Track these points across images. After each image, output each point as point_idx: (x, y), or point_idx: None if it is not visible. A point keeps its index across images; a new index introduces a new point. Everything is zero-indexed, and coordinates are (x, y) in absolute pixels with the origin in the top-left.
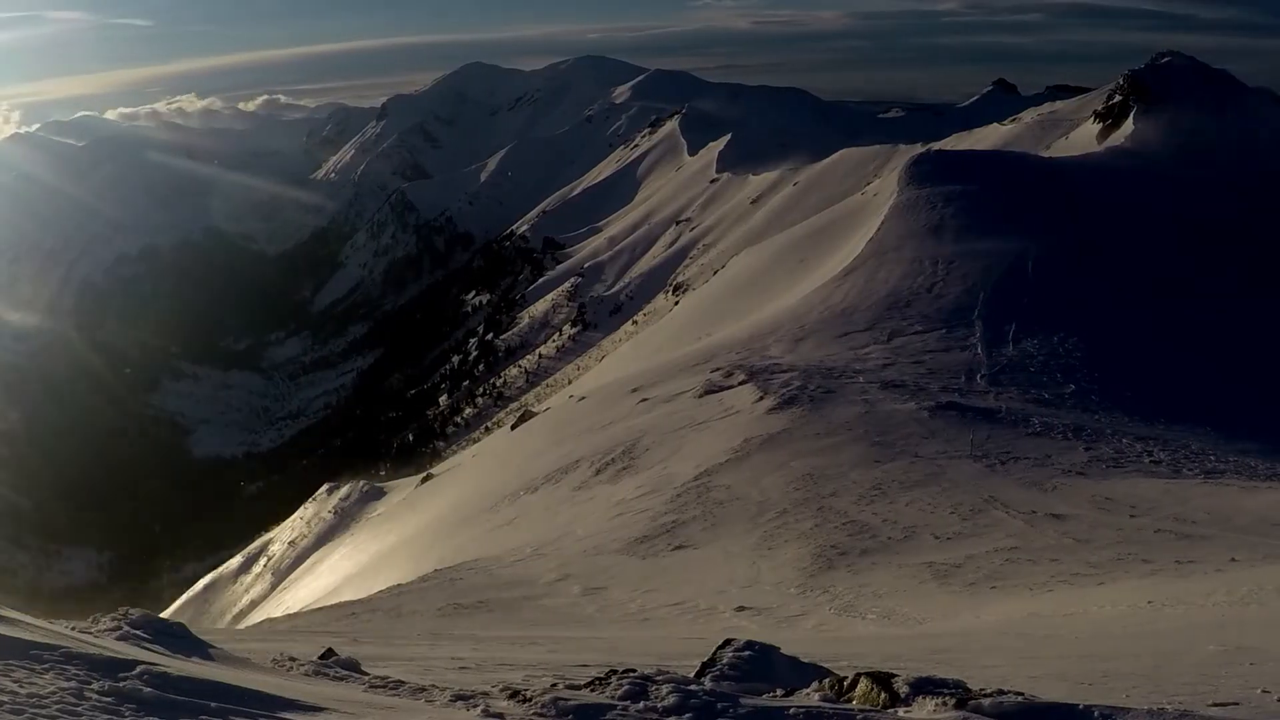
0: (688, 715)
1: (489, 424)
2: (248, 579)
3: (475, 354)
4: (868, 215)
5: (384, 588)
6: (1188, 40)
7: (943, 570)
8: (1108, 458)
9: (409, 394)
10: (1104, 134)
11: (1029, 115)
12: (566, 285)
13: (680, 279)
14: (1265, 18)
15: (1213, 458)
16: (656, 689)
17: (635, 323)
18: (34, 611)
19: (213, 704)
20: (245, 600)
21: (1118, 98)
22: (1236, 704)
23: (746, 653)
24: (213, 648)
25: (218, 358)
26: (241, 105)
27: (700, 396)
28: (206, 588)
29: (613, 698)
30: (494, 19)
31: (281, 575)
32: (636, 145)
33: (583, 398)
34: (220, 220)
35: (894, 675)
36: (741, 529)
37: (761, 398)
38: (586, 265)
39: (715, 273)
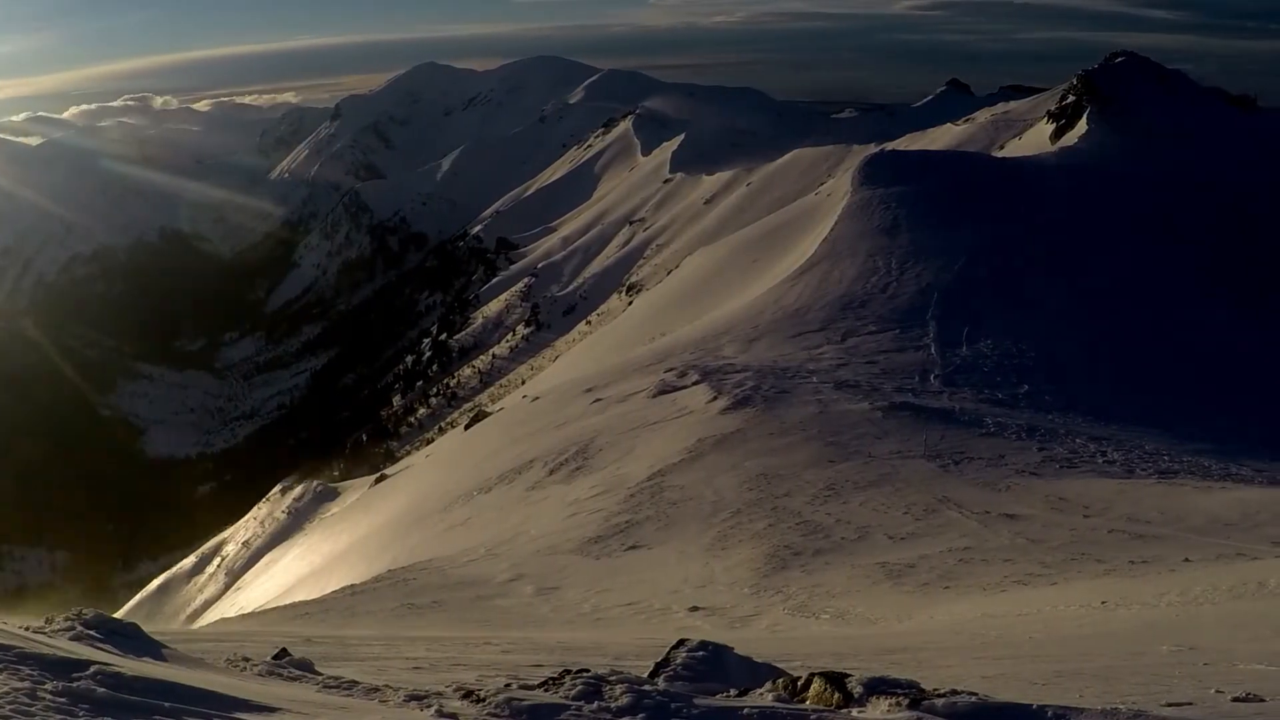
0: (641, 715)
1: (442, 424)
2: (201, 579)
3: (429, 354)
4: (821, 215)
5: (338, 588)
6: (1141, 40)
7: (896, 570)
8: (1061, 458)
9: (363, 394)
10: (1057, 134)
11: (982, 115)
12: (520, 285)
13: (634, 279)
14: (1218, 18)
15: (1166, 458)
16: (610, 689)
17: (589, 323)
18: None
19: (166, 704)
20: (199, 600)
21: (1071, 98)
22: (1190, 704)
23: (700, 653)
24: (166, 648)
25: (172, 358)
26: (195, 105)
27: (654, 397)
28: (160, 588)
29: (566, 698)
30: (448, 17)
31: (235, 575)
32: (590, 145)
33: (536, 398)
34: (174, 220)
35: (848, 675)
36: (695, 529)
37: (715, 398)
38: (540, 265)
39: (669, 273)
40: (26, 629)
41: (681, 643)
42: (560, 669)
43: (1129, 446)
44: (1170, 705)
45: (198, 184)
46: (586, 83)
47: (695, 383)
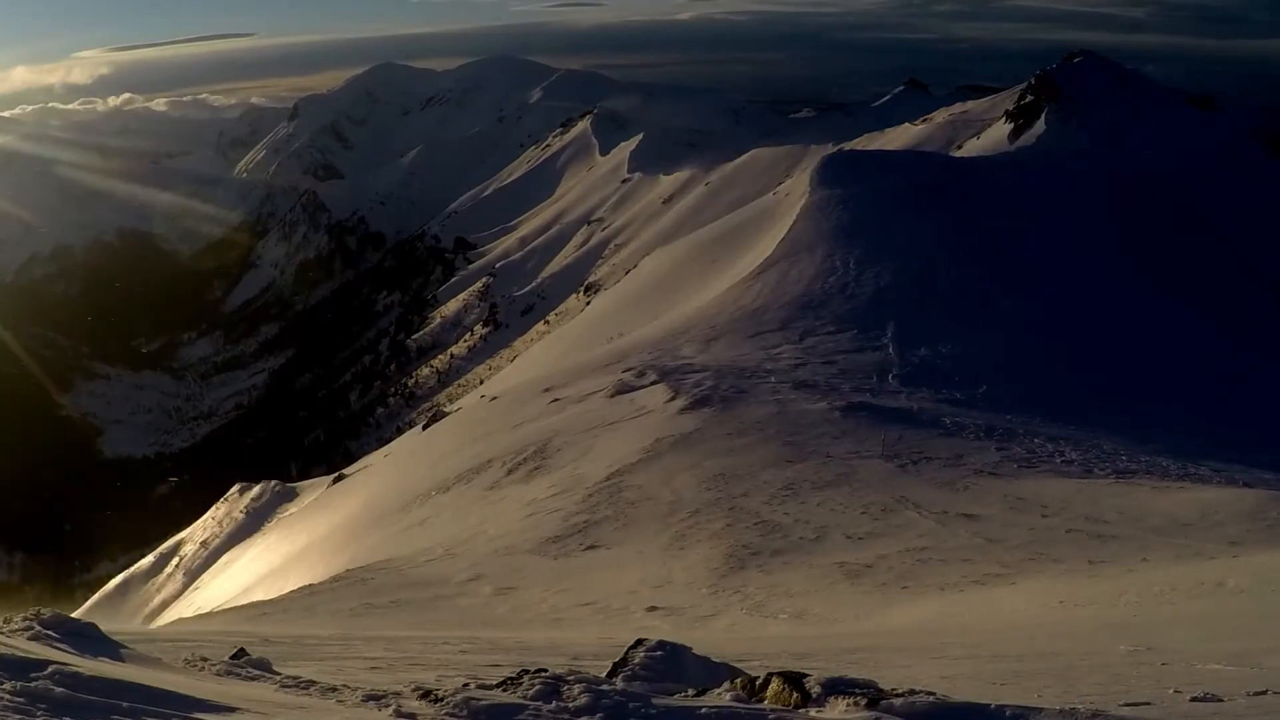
0: (599, 715)
1: (401, 424)
2: (159, 579)
3: (387, 354)
4: (779, 215)
5: (296, 588)
6: (1099, 39)
7: (854, 570)
8: (1020, 457)
9: (321, 394)
10: (1015, 134)
11: (940, 115)
12: (478, 285)
13: (592, 279)
14: (1176, 18)
15: (1124, 458)
16: (568, 689)
17: (547, 323)
18: None
19: (124, 704)
20: (157, 600)
21: (1029, 97)
22: (1148, 704)
23: (658, 653)
24: (124, 648)
25: (130, 358)
26: (152, 105)
27: (612, 396)
28: (118, 588)
29: (524, 698)
30: (408, 14)
31: (193, 575)
32: (548, 145)
33: (494, 398)
34: (132, 220)
35: (806, 675)
36: (653, 529)
37: (673, 398)
38: (498, 265)
39: (627, 273)
40: None
41: (639, 642)
42: (518, 669)
43: (1087, 446)
44: (1129, 705)
45: (155, 184)
46: (545, 83)
47: (653, 382)
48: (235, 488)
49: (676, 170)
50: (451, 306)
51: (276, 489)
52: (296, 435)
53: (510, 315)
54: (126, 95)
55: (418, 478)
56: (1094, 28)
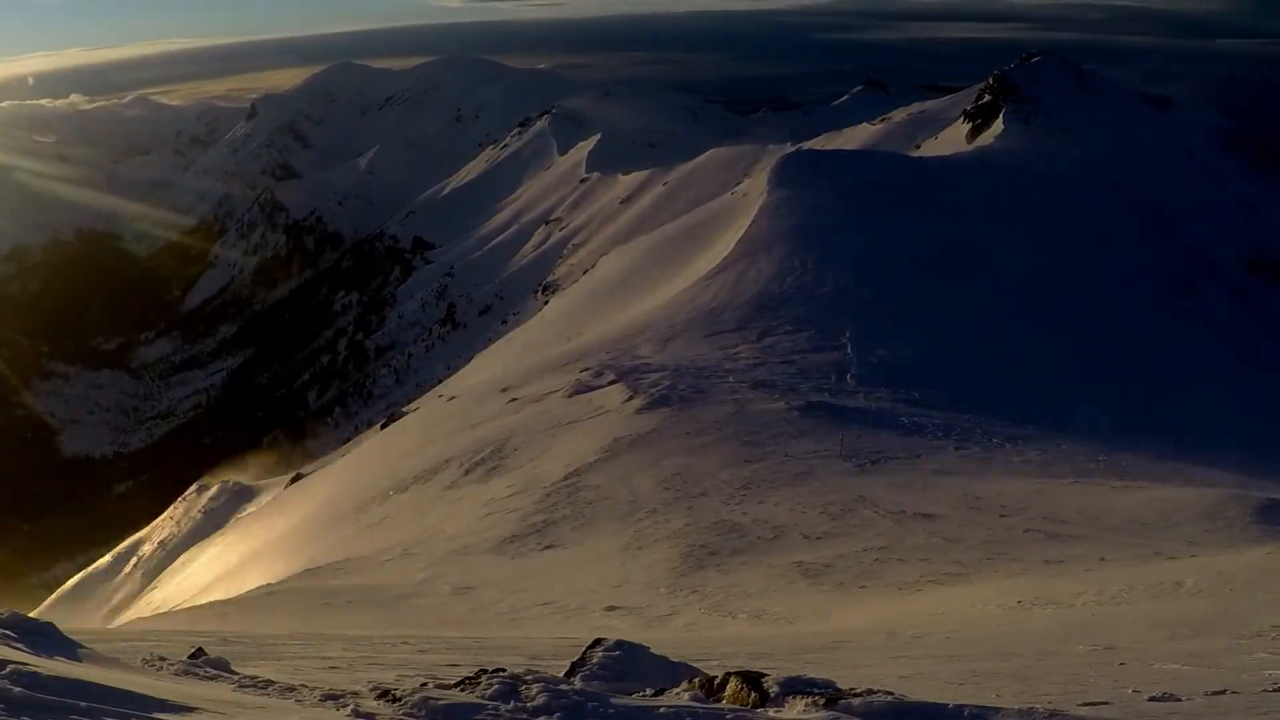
0: (557, 715)
1: (359, 424)
2: (118, 579)
3: (345, 354)
4: (738, 215)
5: (254, 587)
6: (1057, 38)
7: (812, 570)
8: (978, 457)
9: (279, 394)
10: (974, 134)
11: (899, 115)
12: (436, 285)
13: (550, 279)
14: (1136, 19)
15: (1082, 457)
16: (526, 689)
17: (505, 322)
18: None
19: (82, 704)
20: (115, 600)
21: (987, 97)
22: (1107, 703)
23: (616, 652)
24: (82, 647)
25: (88, 357)
26: (111, 104)
27: (570, 396)
28: (76, 587)
29: (483, 697)
30: (372, 11)
31: (152, 575)
32: (506, 145)
33: (452, 397)
34: (90, 220)
35: (764, 675)
36: (611, 529)
37: (631, 397)
38: (456, 265)
39: (585, 272)
40: None
41: (598, 642)
42: (477, 669)
43: (1045, 445)
44: (1087, 705)
45: (113, 183)
46: (503, 82)
47: (611, 382)
48: (193, 487)
49: (634, 170)
50: (409, 306)
51: (235, 489)
52: (255, 435)
53: (468, 315)
54: (74, 96)
55: (376, 477)
56: (1052, 27)
